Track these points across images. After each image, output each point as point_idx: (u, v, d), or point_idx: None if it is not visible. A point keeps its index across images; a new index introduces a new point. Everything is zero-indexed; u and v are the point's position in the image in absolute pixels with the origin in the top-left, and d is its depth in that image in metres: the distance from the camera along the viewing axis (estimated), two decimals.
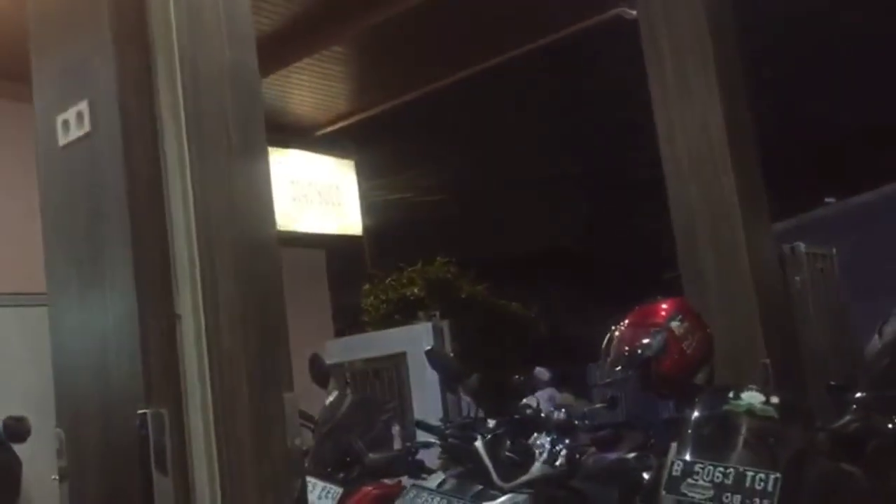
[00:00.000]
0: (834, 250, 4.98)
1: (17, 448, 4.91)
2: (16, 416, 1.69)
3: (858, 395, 2.52)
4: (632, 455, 3.22)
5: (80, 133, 2.14)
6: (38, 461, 4.32)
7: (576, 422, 3.45)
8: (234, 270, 2.14)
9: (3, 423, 1.74)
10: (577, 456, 3.36)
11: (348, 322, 9.49)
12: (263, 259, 2.23)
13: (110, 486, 2.05)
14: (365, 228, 8.75)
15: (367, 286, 9.27)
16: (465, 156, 12.56)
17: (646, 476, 2.94)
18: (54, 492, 2.15)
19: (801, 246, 4.66)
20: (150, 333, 2.01)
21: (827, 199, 8.04)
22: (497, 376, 7.99)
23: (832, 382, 2.78)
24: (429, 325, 6.97)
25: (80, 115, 2.14)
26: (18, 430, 1.70)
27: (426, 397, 6.80)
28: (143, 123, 2.10)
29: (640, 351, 2.66)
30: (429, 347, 3.77)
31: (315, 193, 7.89)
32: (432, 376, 4.16)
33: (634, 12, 4.81)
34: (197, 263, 2.07)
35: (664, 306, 2.80)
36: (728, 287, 4.23)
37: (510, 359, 9.22)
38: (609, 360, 2.73)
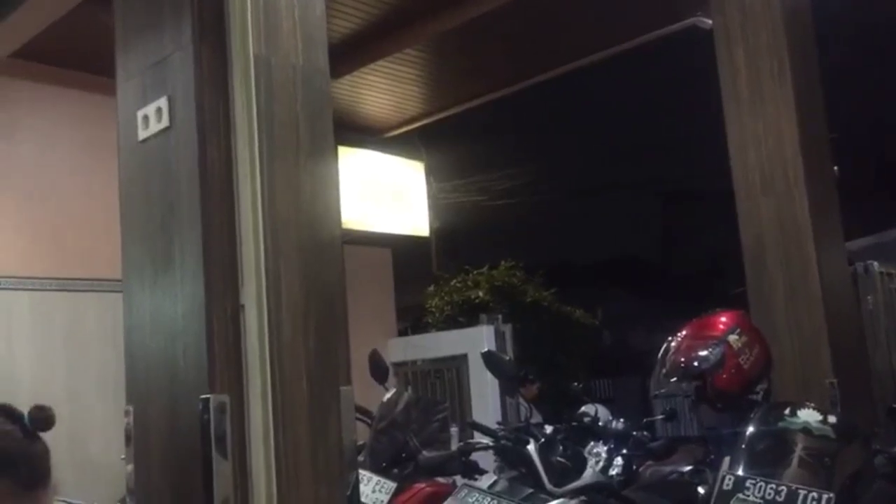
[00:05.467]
0: None
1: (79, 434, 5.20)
2: (40, 405, 1.78)
3: None
4: (688, 468, 3.20)
5: (159, 128, 2.25)
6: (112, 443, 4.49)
7: (634, 432, 3.44)
8: (297, 265, 2.22)
9: (28, 414, 1.83)
10: (634, 466, 3.34)
11: (412, 322, 9.57)
12: (327, 256, 2.31)
13: (174, 465, 2.14)
14: (432, 230, 8.81)
15: (432, 287, 9.33)
16: (536, 161, 12.55)
17: (701, 490, 2.92)
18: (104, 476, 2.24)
19: (875, 265, 4.54)
20: (215, 321, 2.09)
21: None
22: (557, 382, 7.97)
23: (894, 406, 2.72)
24: (491, 328, 7.02)
25: (159, 111, 2.24)
26: (43, 418, 1.78)
27: (485, 400, 6.84)
28: (217, 120, 2.19)
29: (695, 363, 2.64)
30: (486, 349, 3.79)
31: (384, 193, 7.98)
32: (492, 379, 4.19)
33: (711, 21, 4.75)
34: (262, 257, 2.15)
35: (723, 319, 2.77)
36: (796, 304, 4.15)
37: (572, 365, 9.17)
38: (664, 371, 2.72)
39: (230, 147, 2.20)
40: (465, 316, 8.47)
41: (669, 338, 2.81)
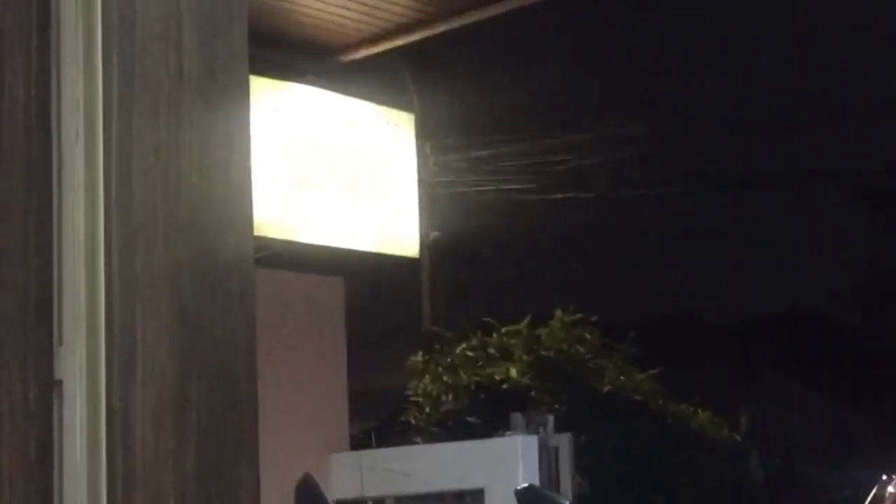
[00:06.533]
0: None
1: None
2: None
3: None
4: None
5: None
6: None
7: None
8: (168, 308, 2.22)
9: None
10: None
11: (378, 422, 9.53)
12: (225, 290, 2.33)
13: None
14: (426, 246, 8.82)
15: (419, 355, 9.32)
16: (622, 119, 12.41)
17: None
18: None
19: None
20: (6, 413, 2.10)
21: None
22: None
23: None
24: (532, 439, 7.00)
25: None
26: None
27: None
28: (24, 23, 2.20)
29: None
30: (525, 485, 3.81)
31: (339, 172, 7.98)
32: None
33: None
34: (101, 288, 2.15)
35: None
36: None
37: None
38: None
39: (47, 73, 2.21)
40: (480, 414, 8.46)
41: (884, 477, 2.83)
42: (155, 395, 2.19)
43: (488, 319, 9.37)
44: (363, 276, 8.57)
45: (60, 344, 2.16)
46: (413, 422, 8.99)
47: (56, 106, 2.21)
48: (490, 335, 9.24)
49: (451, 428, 8.48)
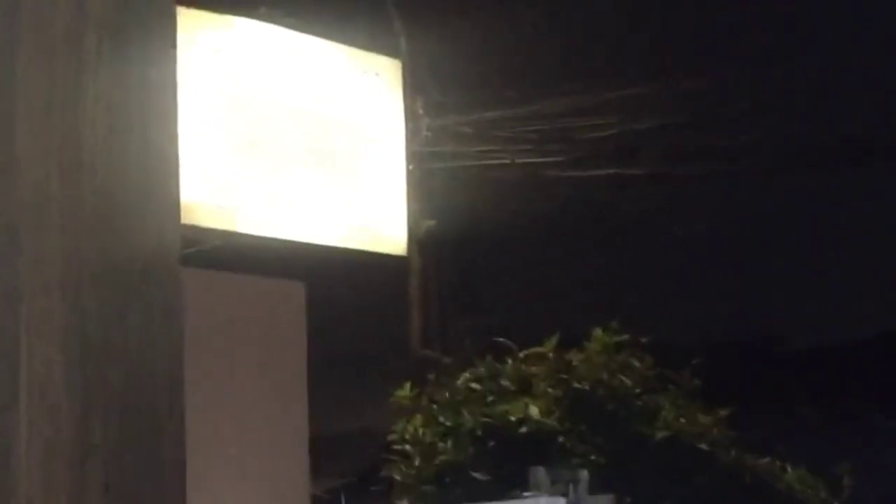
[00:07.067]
0: None
1: None
2: None
3: None
4: None
5: None
6: None
7: None
8: (64, 321, 2.22)
9: None
10: None
11: (351, 475, 9.55)
12: (143, 297, 2.34)
13: None
14: (415, 239, 8.86)
15: (406, 388, 9.32)
16: (679, 64, 12.42)
17: None
18: None
19: None
20: None
21: None
22: None
23: None
24: (558, 502, 7.01)
25: None
26: None
27: None
28: None
29: None
30: None
31: (300, 138, 8.00)
32: None
33: None
34: None
35: None
36: None
37: None
38: None
39: None
40: (490, 467, 8.49)
41: None
42: (45, 442, 2.18)
43: (501, 339, 9.37)
44: (332, 279, 8.58)
45: None
46: (398, 478, 8.99)
47: None
48: (504, 361, 9.24)
49: (450, 486, 8.49)
